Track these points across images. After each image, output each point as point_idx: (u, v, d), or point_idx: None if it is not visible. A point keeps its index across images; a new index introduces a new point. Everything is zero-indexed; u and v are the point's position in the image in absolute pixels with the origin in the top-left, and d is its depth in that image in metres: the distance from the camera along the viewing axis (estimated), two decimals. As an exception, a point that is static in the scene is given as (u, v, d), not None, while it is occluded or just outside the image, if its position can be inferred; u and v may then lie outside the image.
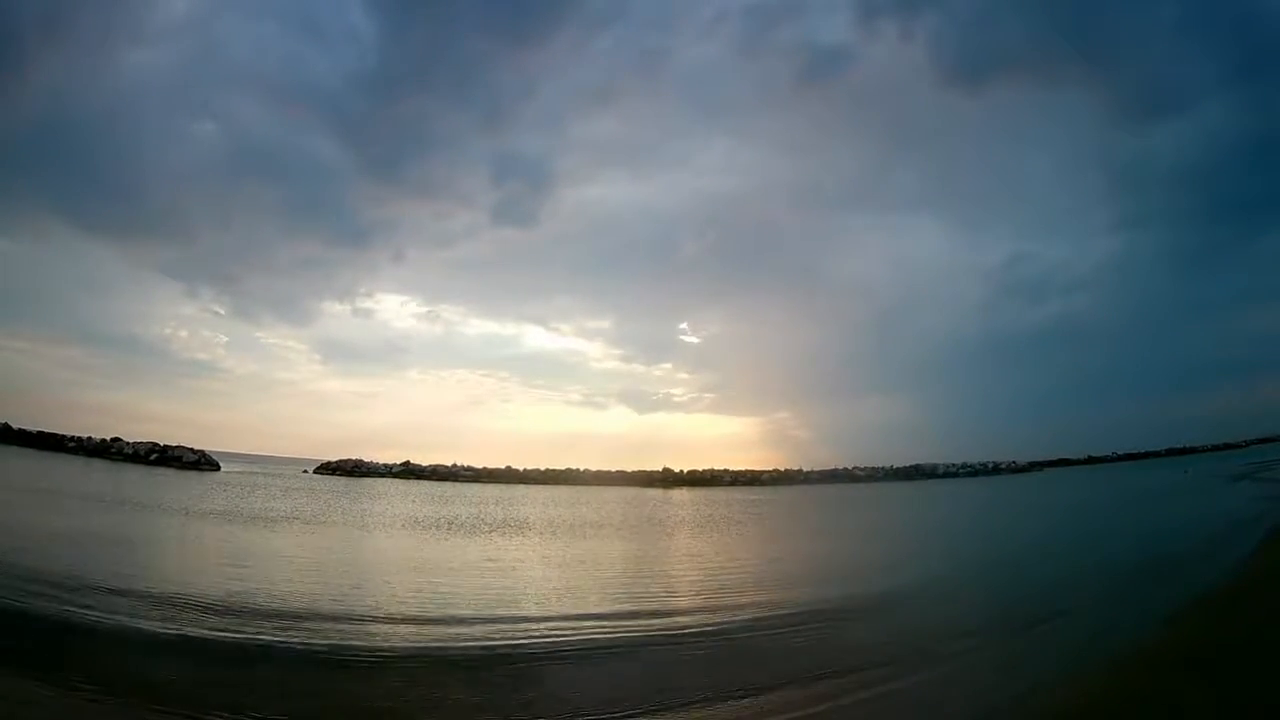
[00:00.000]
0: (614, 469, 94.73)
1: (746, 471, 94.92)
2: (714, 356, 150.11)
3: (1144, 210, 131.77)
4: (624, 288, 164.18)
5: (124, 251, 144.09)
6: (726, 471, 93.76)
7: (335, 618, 12.04)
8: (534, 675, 9.53)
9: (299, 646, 10.26)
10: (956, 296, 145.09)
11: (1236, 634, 9.52)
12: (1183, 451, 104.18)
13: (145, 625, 10.81)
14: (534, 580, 18.13)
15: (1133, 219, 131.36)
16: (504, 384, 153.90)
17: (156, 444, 71.17)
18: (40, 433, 72.78)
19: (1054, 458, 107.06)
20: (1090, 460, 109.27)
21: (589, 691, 8.85)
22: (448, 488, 69.87)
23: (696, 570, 20.78)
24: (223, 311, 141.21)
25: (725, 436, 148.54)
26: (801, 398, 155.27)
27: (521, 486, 78.95)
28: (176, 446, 70.75)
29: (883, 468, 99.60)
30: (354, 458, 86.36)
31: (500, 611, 13.56)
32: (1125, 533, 26.67)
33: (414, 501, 47.97)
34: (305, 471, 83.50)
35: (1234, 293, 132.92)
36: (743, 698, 8.85)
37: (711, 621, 13.09)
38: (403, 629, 11.83)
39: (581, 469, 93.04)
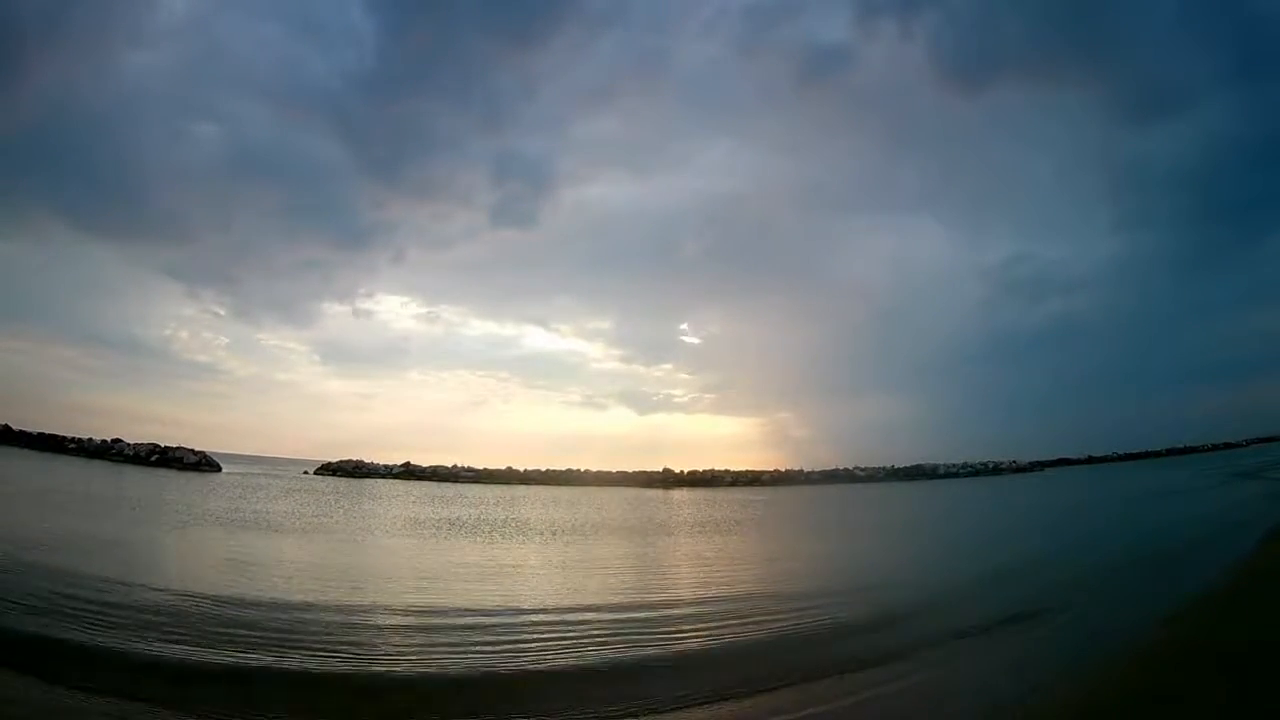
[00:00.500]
0: (614, 470, 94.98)
1: (747, 472, 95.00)
2: (714, 357, 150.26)
3: (1145, 210, 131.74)
4: (624, 288, 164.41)
5: (125, 253, 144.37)
6: (727, 472, 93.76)
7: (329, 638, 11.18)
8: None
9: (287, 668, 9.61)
10: (957, 296, 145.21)
11: (1239, 632, 9.54)
12: (1183, 451, 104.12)
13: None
14: (538, 595, 17.45)
15: (1133, 219, 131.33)
16: (504, 385, 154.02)
17: (157, 445, 71.24)
18: (41, 434, 72.84)
19: (1055, 458, 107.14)
20: (1091, 460, 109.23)
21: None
22: (448, 489, 69.87)
23: (705, 580, 20.75)
24: (223, 313, 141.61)
25: (726, 437, 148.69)
26: (802, 398, 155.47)
27: (522, 487, 78.96)
28: (177, 448, 70.82)
29: (883, 468, 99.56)
30: (354, 459, 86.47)
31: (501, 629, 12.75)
32: (1128, 530, 26.66)
33: (415, 503, 48.00)
34: (306, 473, 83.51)
35: (1235, 293, 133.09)
36: (743, 697, 8.88)
37: (712, 619, 13.16)
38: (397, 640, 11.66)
39: (582, 470, 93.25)
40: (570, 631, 12.12)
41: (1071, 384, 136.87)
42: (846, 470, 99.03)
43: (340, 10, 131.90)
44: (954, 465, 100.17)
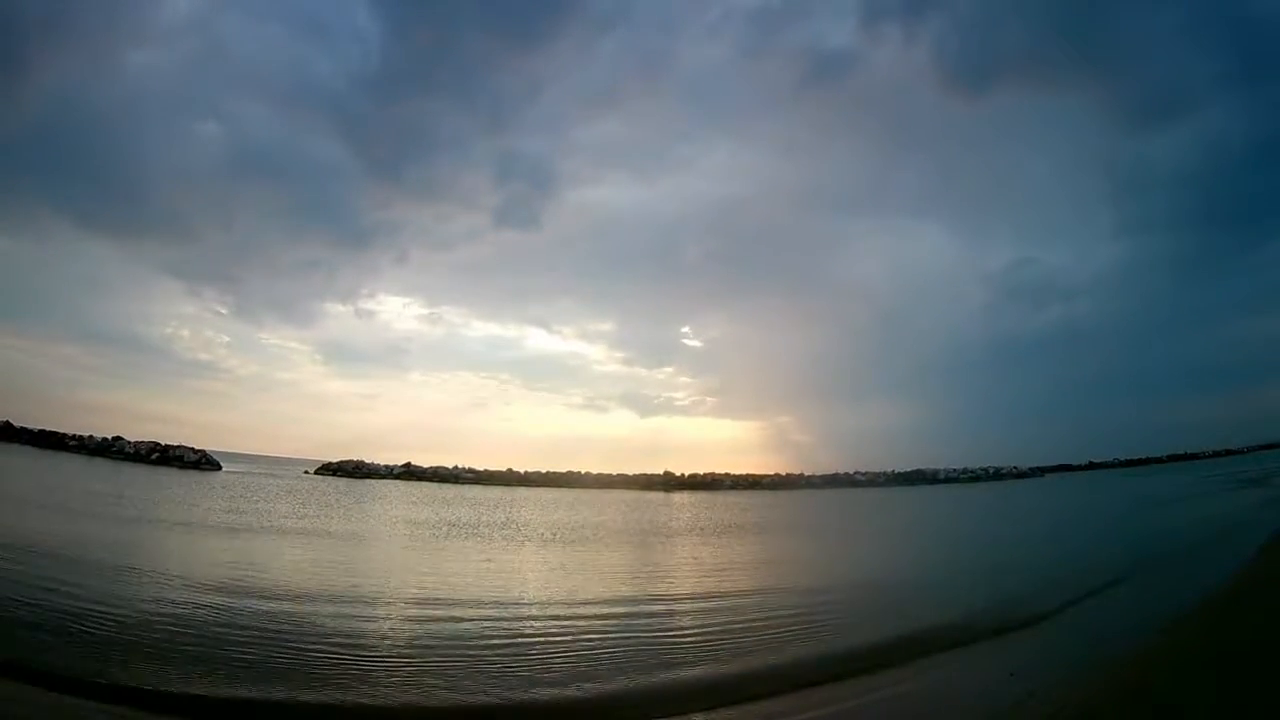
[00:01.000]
0: (615, 472, 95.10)
1: (747, 476, 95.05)
2: (716, 360, 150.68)
3: (1146, 215, 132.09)
4: (626, 291, 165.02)
5: (126, 251, 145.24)
6: (728, 475, 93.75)
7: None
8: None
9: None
10: (958, 301, 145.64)
11: (1240, 639, 9.51)
12: (1184, 457, 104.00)
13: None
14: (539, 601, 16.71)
15: (1135, 224, 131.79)
16: (506, 386, 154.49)
17: (158, 443, 71.30)
18: (42, 431, 72.91)
19: (1056, 463, 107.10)
20: (1092, 466, 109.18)
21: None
22: (449, 490, 69.83)
23: (706, 584, 20.73)
24: (225, 311, 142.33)
25: (727, 440, 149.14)
26: (803, 402, 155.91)
27: (523, 489, 78.91)
28: (178, 446, 70.88)
29: (884, 472, 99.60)
30: (355, 459, 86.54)
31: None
32: (1128, 536, 26.60)
33: (415, 505, 47.99)
34: (306, 472, 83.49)
35: (1236, 298, 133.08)
36: (747, 702, 8.88)
37: (713, 618, 13.19)
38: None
39: (583, 472, 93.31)
40: (575, 645, 11.64)
41: (1073, 390, 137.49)
42: (847, 475, 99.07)
43: (345, 11, 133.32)
44: (955, 470, 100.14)
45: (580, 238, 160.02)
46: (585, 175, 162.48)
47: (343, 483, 71.22)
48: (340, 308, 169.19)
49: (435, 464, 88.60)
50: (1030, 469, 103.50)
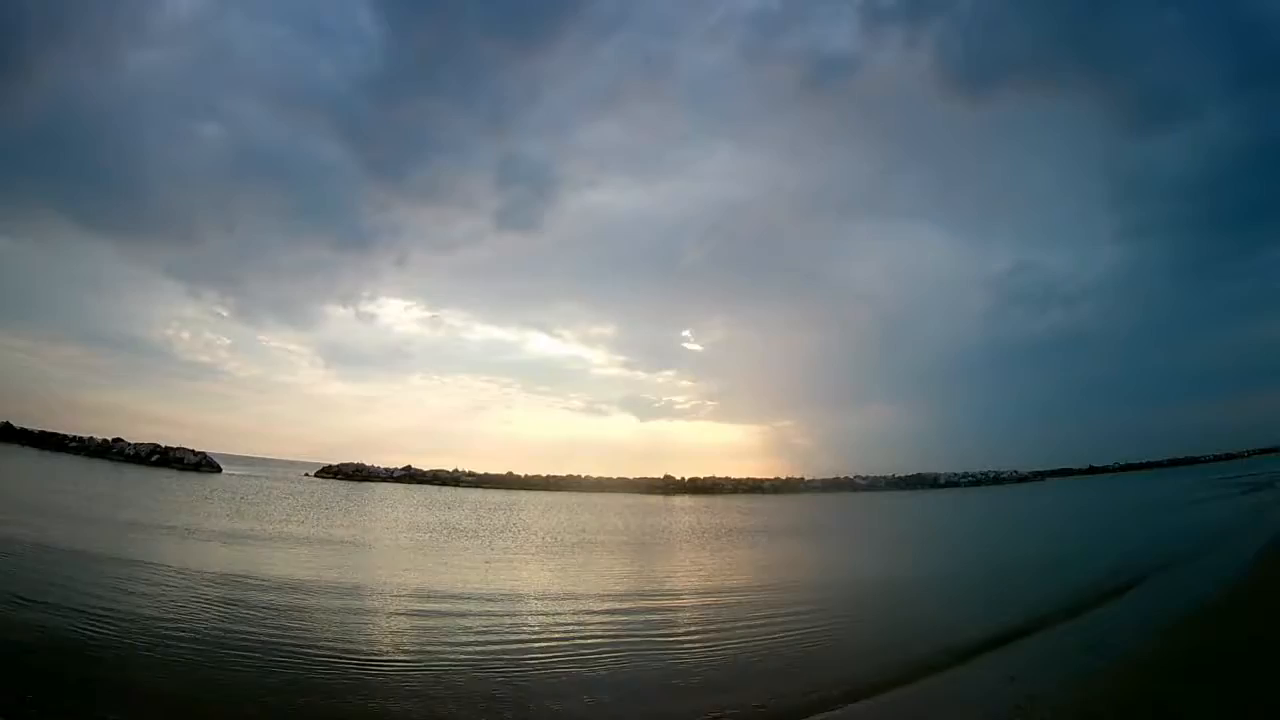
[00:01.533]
0: (615, 476, 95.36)
1: (748, 480, 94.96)
2: (717, 364, 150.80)
3: (1147, 219, 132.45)
4: (627, 294, 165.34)
5: (127, 252, 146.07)
6: (728, 479, 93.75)
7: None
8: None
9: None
10: (959, 305, 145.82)
11: (1239, 643, 9.53)
12: (1185, 462, 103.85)
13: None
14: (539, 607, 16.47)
15: (1136, 228, 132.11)
16: (506, 390, 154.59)
17: (158, 445, 71.39)
18: (42, 432, 73.03)
19: (1056, 468, 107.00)
20: (1092, 470, 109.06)
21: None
22: (449, 493, 69.80)
23: (706, 589, 20.70)
24: (225, 313, 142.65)
25: (727, 444, 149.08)
26: (804, 406, 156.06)
27: (523, 493, 78.90)
28: (178, 448, 70.94)
29: (884, 477, 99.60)
30: (355, 462, 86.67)
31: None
32: (1128, 540, 26.58)
33: (415, 509, 47.96)
34: (306, 475, 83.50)
35: (1237, 302, 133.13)
36: (743, 713, 8.88)
37: (718, 624, 13.21)
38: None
39: (583, 476, 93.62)
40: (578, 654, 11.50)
41: (1074, 393, 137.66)
42: (848, 479, 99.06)
43: (346, 12, 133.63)
44: (955, 474, 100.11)
45: (581, 241, 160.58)
46: (586, 178, 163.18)
47: (343, 486, 71.20)
48: (341, 310, 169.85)
49: (436, 467, 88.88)
50: (1031, 473, 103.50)
